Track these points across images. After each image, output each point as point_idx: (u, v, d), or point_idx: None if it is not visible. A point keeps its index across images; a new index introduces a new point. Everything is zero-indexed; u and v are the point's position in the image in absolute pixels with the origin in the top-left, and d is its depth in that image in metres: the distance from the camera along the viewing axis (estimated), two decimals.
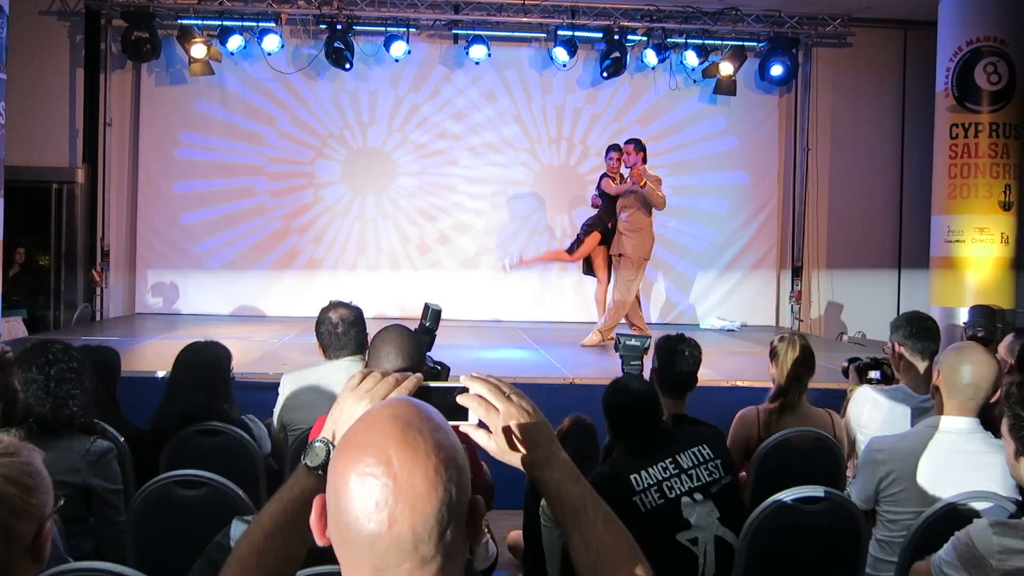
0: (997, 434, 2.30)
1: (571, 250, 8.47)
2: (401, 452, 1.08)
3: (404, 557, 1.06)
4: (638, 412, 2.94)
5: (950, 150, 8.94)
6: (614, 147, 8.31)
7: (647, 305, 10.50)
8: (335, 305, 3.76)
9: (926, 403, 3.31)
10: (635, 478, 2.75)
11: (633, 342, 3.73)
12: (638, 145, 8.07)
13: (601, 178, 8.33)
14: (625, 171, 8.10)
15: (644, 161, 8.00)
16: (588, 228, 8.32)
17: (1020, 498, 2.58)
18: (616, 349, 3.77)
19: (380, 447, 1.09)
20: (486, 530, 3.19)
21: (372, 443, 1.09)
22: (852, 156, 10.96)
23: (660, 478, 2.77)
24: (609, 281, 8.32)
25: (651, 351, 3.71)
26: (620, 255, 7.94)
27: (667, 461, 2.81)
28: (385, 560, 1.06)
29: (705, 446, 2.90)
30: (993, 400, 2.71)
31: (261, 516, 1.41)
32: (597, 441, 3.74)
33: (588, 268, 8.61)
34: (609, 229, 8.15)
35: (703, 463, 2.85)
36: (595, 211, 8.40)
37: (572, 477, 1.37)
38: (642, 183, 7.71)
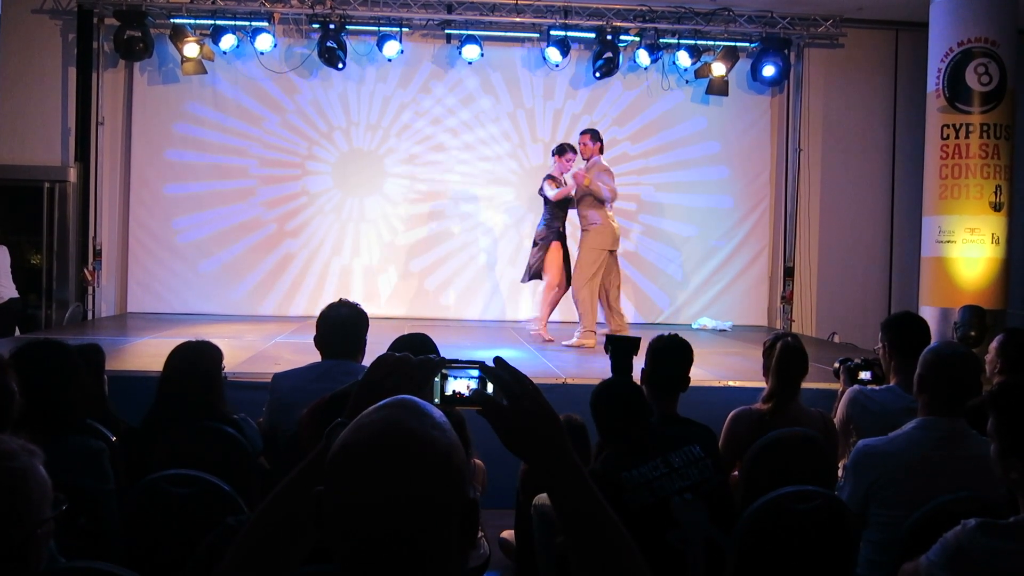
0: (983, 433, 2.31)
1: (534, 273, 8.05)
2: (394, 450, 1.09)
3: (397, 553, 1.07)
4: (623, 413, 2.94)
5: (941, 151, 8.97)
6: (566, 147, 8.00)
7: (630, 305, 10.49)
8: (339, 304, 3.72)
9: (916, 403, 3.32)
10: (626, 476, 2.76)
11: (623, 343, 3.69)
12: (595, 136, 7.88)
13: (545, 179, 7.96)
14: (568, 176, 7.86)
15: (600, 151, 7.86)
16: (544, 243, 7.91)
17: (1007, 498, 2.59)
18: (606, 350, 3.74)
19: (375, 444, 1.10)
20: (480, 529, 3.21)
21: (369, 439, 1.10)
22: (844, 156, 10.98)
23: (651, 477, 2.77)
24: (561, 281, 7.93)
25: (640, 351, 3.68)
26: (579, 251, 7.79)
27: (658, 460, 2.81)
28: (379, 556, 1.07)
29: (696, 445, 2.90)
30: (978, 399, 2.72)
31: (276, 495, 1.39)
32: (588, 441, 3.74)
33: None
34: (563, 233, 7.94)
35: (694, 462, 2.85)
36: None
37: (577, 489, 1.27)
38: (586, 183, 7.55)
